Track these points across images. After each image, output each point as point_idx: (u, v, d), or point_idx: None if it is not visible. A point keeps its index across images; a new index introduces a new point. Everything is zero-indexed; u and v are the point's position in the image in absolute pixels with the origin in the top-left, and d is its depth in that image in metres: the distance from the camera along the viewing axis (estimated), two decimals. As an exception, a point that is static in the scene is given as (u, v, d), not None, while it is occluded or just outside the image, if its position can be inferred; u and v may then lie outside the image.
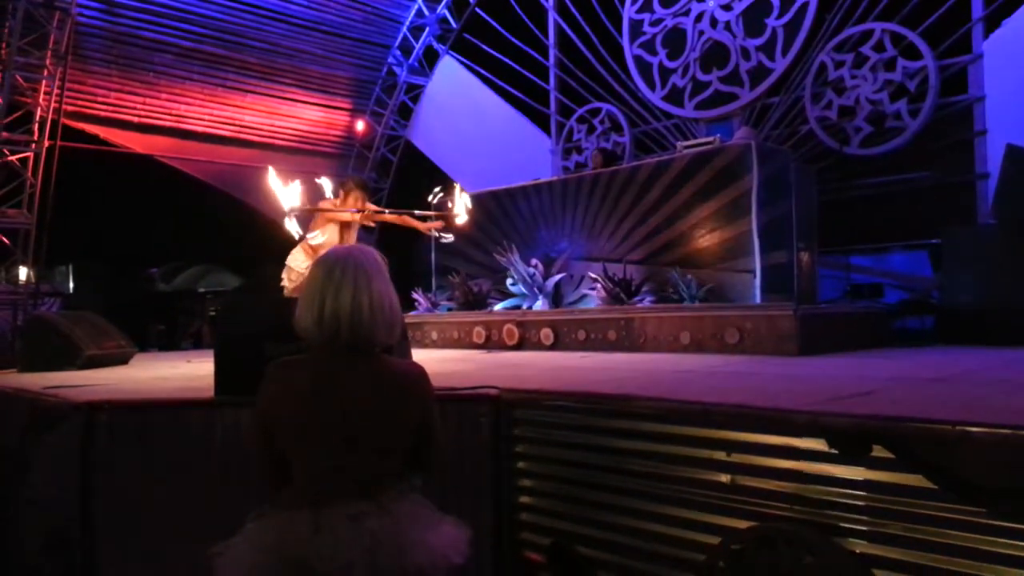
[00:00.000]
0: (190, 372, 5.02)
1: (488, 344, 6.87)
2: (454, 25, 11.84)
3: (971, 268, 5.92)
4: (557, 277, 7.18)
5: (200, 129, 11.16)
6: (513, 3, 10.80)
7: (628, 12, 9.73)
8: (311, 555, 1.81)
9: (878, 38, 7.66)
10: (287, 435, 1.91)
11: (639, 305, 6.25)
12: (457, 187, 5.27)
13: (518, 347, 6.61)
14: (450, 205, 5.19)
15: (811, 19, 8.15)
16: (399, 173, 12.97)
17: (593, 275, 6.73)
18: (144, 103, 10.55)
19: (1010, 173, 6.17)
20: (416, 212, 5.28)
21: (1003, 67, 7.10)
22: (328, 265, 1.97)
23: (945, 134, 7.48)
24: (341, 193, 5.31)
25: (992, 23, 7.26)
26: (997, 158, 6.65)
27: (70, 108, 9.70)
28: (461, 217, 5.14)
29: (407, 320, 5.69)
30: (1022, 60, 6.91)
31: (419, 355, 5.24)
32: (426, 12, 11.78)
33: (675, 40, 9.26)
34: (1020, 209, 5.87)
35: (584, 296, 6.94)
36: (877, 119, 7.63)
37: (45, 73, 9.21)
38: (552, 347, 6.37)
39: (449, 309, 8.01)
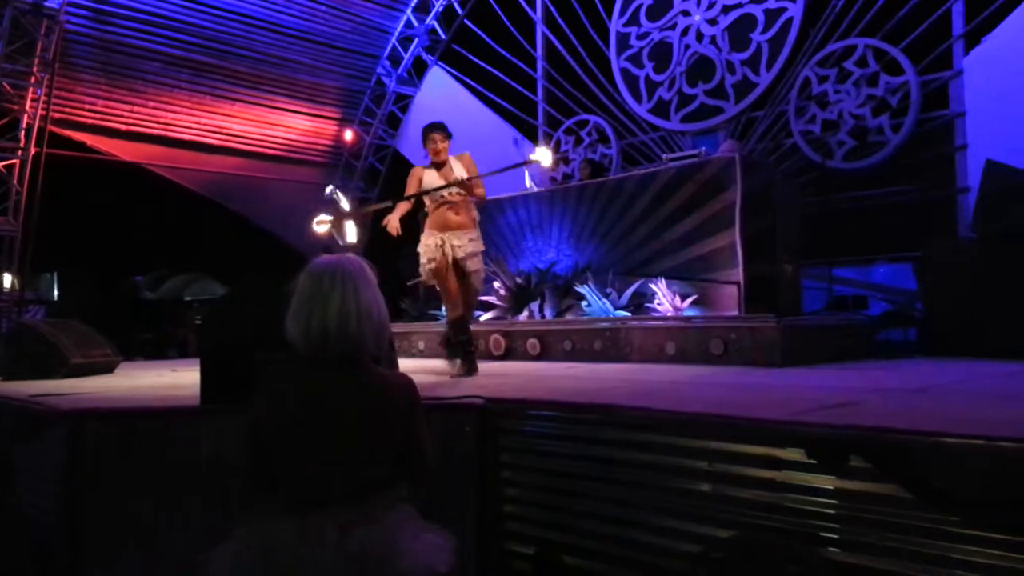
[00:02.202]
0: (176, 381, 5.01)
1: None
2: (443, 36, 11.91)
3: (953, 281, 5.99)
4: (544, 288, 7.21)
5: (187, 137, 11.15)
6: (501, 15, 10.88)
7: (615, 25, 9.83)
8: (297, 563, 1.82)
9: (861, 53, 7.78)
10: (275, 443, 1.93)
11: (625, 316, 6.28)
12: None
13: (505, 357, 6.63)
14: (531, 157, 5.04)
15: (795, 34, 8.27)
16: (387, 183, 12.99)
17: (579, 286, 6.77)
18: (132, 111, 10.54)
19: (990, 188, 6.27)
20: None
21: (983, 83, 7.21)
22: (316, 275, 1.99)
23: (926, 149, 7.59)
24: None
25: (973, 40, 7.39)
26: (977, 173, 6.75)
27: (57, 115, 9.69)
28: (546, 160, 4.90)
29: (394, 330, 5.68)
30: (1002, 76, 7.03)
31: (406, 365, 5.26)
32: (415, 23, 11.84)
33: (661, 54, 9.36)
34: (1000, 223, 5.96)
35: (571, 306, 6.97)
36: (860, 133, 7.73)
37: (32, 80, 9.20)
38: (539, 357, 6.40)
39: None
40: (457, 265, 4.93)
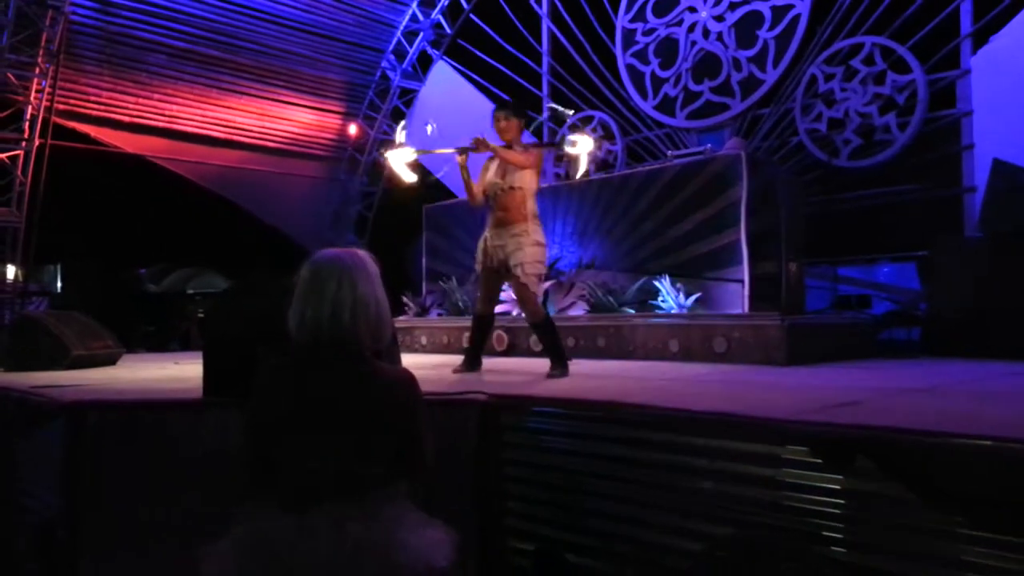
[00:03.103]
0: (178, 374, 5.01)
1: (477, 349, 6.86)
2: (448, 31, 11.87)
3: (958, 280, 5.98)
4: (547, 284, 7.19)
5: (192, 130, 11.13)
6: (507, 10, 10.85)
7: (621, 21, 9.79)
8: (295, 558, 1.81)
9: (868, 51, 7.73)
10: (274, 437, 1.92)
11: (628, 313, 6.27)
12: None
13: (507, 353, 6.62)
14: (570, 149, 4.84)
15: (802, 31, 8.23)
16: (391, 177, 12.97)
17: (583, 282, 6.75)
18: (136, 103, 10.52)
19: (996, 187, 6.25)
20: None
21: (990, 82, 7.17)
22: (316, 268, 1.98)
23: (933, 148, 7.55)
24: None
25: (980, 39, 7.35)
26: (984, 172, 6.73)
27: (61, 107, 9.67)
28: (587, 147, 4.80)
29: (397, 325, 5.66)
30: (1008, 76, 6.99)
31: (408, 360, 5.25)
32: (420, 17, 11.81)
33: (667, 50, 9.32)
34: (1006, 222, 5.94)
35: (574, 303, 6.95)
36: (866, 132, 7.69)
37: (37, 71, 9.17)
38: (541, 353, 6.34)
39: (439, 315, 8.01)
40: (503, 265, 4.55)
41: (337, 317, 1.91)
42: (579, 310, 6.84)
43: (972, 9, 7.45)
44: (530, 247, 4.46)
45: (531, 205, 4.53)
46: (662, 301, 6.20)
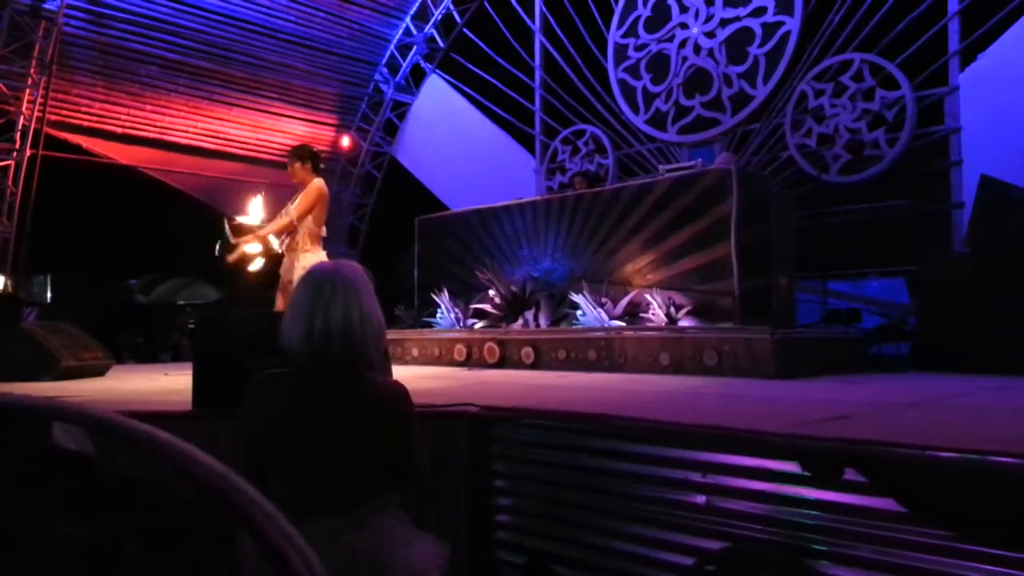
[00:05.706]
0: (168, 385, 4.98)
1: (469, 362, 6.86)
2: (441, 44, 11.94)
3: (946, 295, 6.01)
4: (539, 296, 7.20)
5: (184, 141, 11.14)
6: (500, 24, 10.92)
7: (613, 36, 9.86)
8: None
9: (857, 68, 7.81)
10: (267, 449, 1.92)
11: (619, 325, 6.28)
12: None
13: (499, 365, 6.61)
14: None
15: (792, 48, 8.31)
16: (383, 190, 13.00)
17: (575, 295, 6.76)
18: (128, 114, 10.52)
19: (984, 203, 6.29)
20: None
21: (978, 99, 7.26)
22: (317, 281, 1.98)
23: (922, 163, 7.62)
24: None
25: (968, 57, 7.44)
26: (972, 188, 6.78)
27: (53, 117, 9.67)
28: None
29: (388, 337, 5.67)
30: (996, 93, 7.07)
31: (400, 372, 5.24)
32: (413, 31, 11.87)
33: (659, 65, 9.39)
34: (994, 238, 5.98)
35: (565, 316, 6.96)
36: (856, 147, 7.75)
37: (29, 82, 9.18)
38: (533, 366, 6.38)
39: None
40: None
41: (348, 329, 1.92)
42: (570, 323, 6.84)
43: (960, 27, 7.55)
44: (297, 268, 5.39)
45: (300, 237, 5.58)
46: (652, 314, 6.22)
